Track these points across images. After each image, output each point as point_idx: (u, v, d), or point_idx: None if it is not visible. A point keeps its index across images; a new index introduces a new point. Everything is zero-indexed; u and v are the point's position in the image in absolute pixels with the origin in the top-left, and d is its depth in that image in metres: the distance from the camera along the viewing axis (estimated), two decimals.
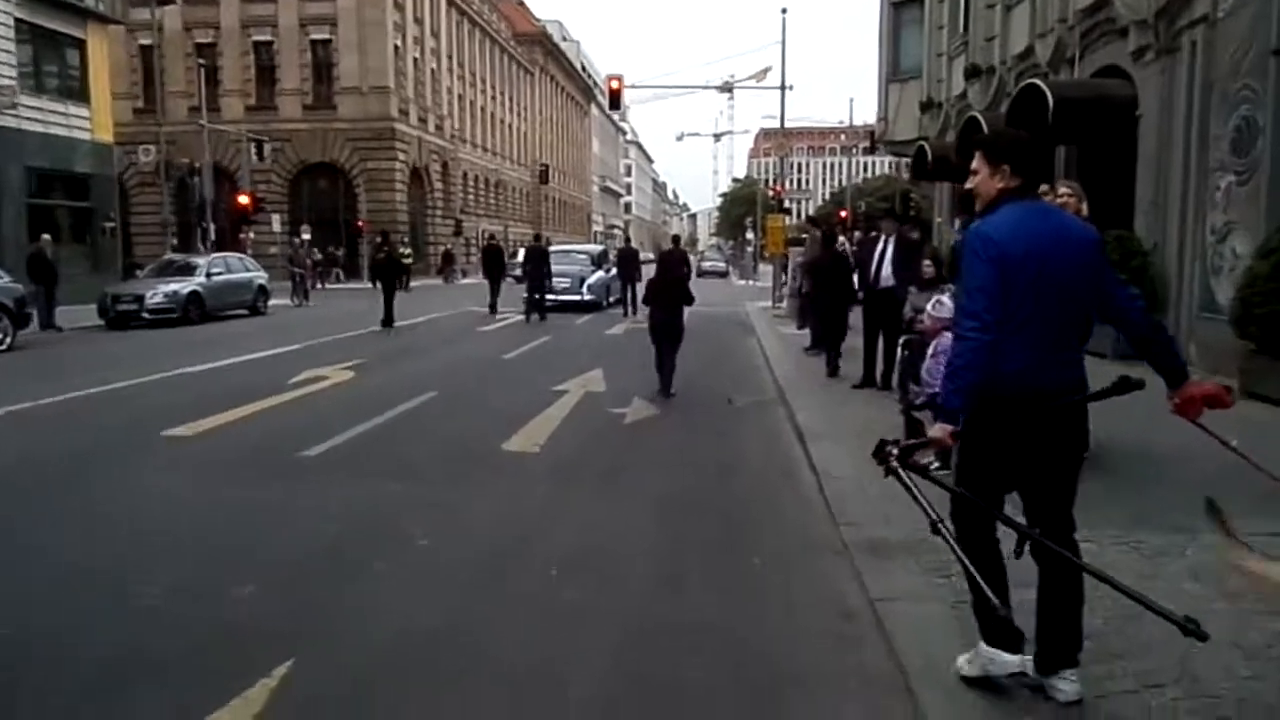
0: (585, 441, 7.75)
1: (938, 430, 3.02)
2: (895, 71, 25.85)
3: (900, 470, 2.89)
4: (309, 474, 6.62)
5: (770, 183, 39.91)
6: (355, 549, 4.97)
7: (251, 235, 31.01)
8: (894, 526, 4.79)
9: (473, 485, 6.31)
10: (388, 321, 17.80)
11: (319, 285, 29.78)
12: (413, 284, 35.64)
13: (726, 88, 69.64)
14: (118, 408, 9.44)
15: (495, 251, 23.55)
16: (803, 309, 14.61)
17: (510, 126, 72.89)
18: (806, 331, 14.70)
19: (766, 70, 64.23)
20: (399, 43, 49.17)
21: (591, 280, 23.45)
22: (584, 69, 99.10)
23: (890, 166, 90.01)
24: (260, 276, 22.96)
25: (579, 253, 26.20)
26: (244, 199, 29.24)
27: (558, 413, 8.94)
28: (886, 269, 9.58)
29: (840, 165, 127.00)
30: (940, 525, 2.75)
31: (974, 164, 3.18)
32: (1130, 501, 5.18)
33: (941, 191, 24.68)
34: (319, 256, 32.17)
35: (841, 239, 14.90)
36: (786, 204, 26.98)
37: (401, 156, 47.92)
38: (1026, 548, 2.96)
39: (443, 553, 4.92)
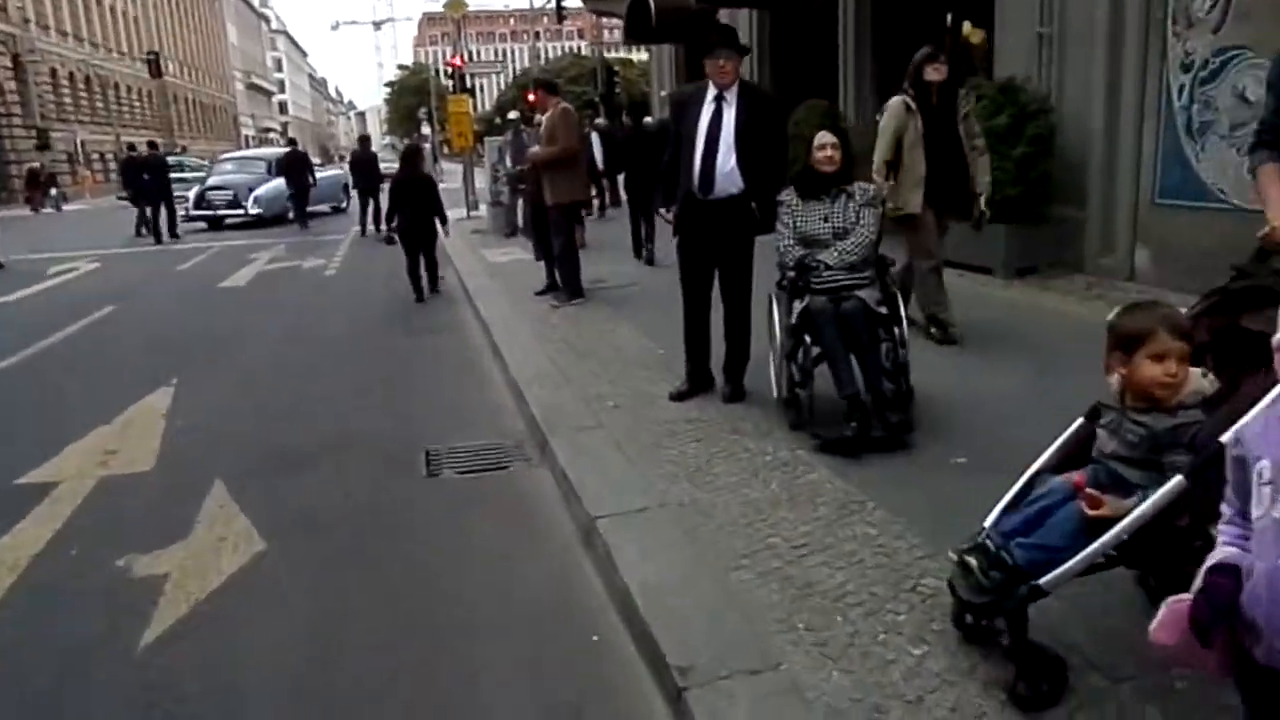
0: None
1: None
2: None
3: None
4: None
5: (442, 69, 33.05)
6: None
7: None
8: None
9: None
10: None
11: None
12: None
13: None
14: None
15: (140, 165, 18.65)
16: (535, 224, 9.23)
17: (114, 10, 58.95)
18: (529, 259, 9.65)
19: None
20: None
21: (261, 191, 19.95)
22: None
23: (575, 48, 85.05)
24: None
25: (255, 159, 22.71)
26: None
27: None
28: (727, 155, 4.62)
29: (517, 52, 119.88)
30: None
31: None
32: None
33: (662, 58, 20.12)
34: None
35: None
36: (469, 82, 21.21)
37: None
38: None
39: None
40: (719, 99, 4.65)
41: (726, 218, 4.67)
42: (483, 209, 16.85)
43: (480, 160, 19.42)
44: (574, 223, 8.18)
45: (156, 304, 10.13)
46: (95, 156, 49.28)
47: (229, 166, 22.25)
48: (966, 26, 11.41)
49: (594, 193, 15.26)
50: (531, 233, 9.17)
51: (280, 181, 19.55)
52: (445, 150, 47.07)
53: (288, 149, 20.61)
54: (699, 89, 4.78)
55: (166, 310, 9.68)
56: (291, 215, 19.17)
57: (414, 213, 9.20)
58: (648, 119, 18.07)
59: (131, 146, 21.51)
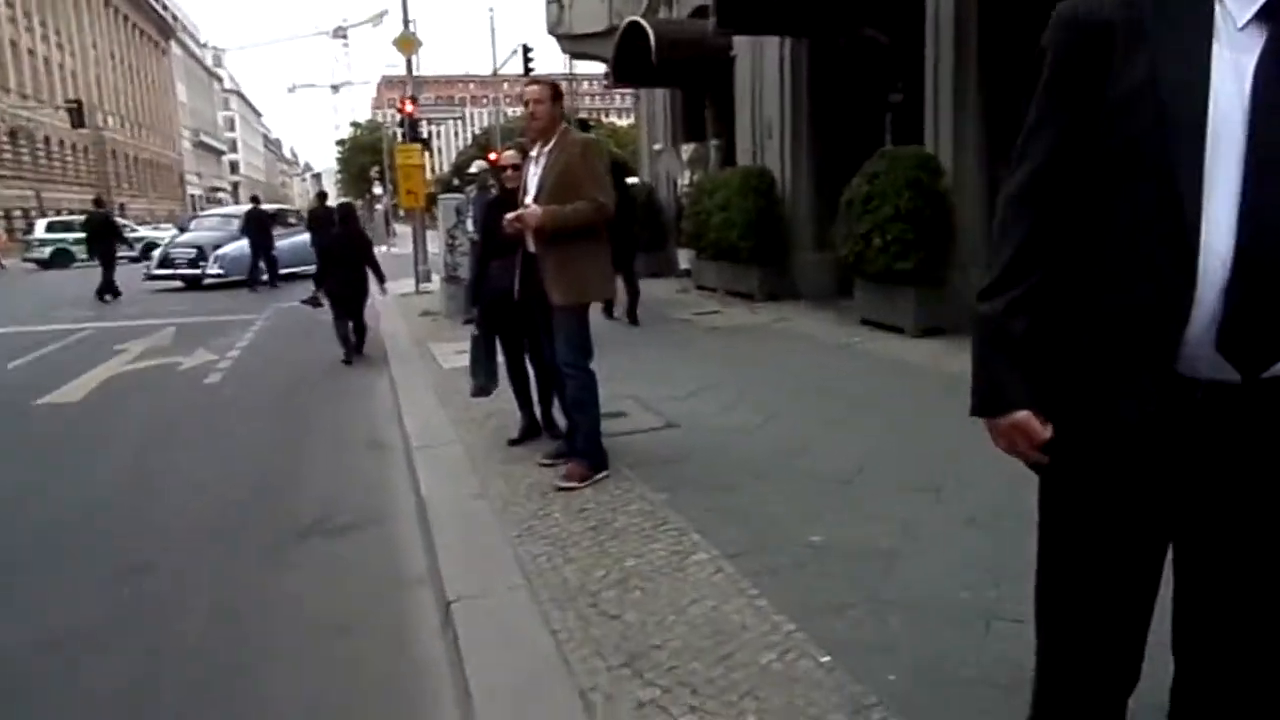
0: None
1: None
2: None
3: None
4: None
5: (399, 125, 29.11)
6: None
7: None
8: None
9: None
10: None
11: None
12: None
13: (340, 33, 59.12)
14: None
15: (101, 222, 17.71)
16: (481, 313, 5.51)
17: (47, 61, 55.30)
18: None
19: (383, 14, 53.57)
20: None
21: (225, 250, 18.66)
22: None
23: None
24: None
25: (229, 216, 21.92)
26: None
27: None
28: None
29: (477, 117, 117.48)
30: None
31: None
32: None
33: (655, 107, 17.00)
34: None
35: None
36: (425, 131, 18.02)
37: None
38: None
39: None
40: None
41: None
42: (435, 281, 13.56)
43: (434, 223, 16.21)
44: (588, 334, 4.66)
45: None
46: (18, 213, 45.23)
47: (204, 223, 21.90)
48: None
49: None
50: (483, 345, 5.32)
51: (246, 241, 18.29)
52: (400, 213, 43.77)
53: (250, 206, 19.30)
54: None
55: None
56: (265, 277, 18.04)
57: (347, 272, 8.99)
58: (632, 180, 15.11)
59: (97, 201, 19.26)
